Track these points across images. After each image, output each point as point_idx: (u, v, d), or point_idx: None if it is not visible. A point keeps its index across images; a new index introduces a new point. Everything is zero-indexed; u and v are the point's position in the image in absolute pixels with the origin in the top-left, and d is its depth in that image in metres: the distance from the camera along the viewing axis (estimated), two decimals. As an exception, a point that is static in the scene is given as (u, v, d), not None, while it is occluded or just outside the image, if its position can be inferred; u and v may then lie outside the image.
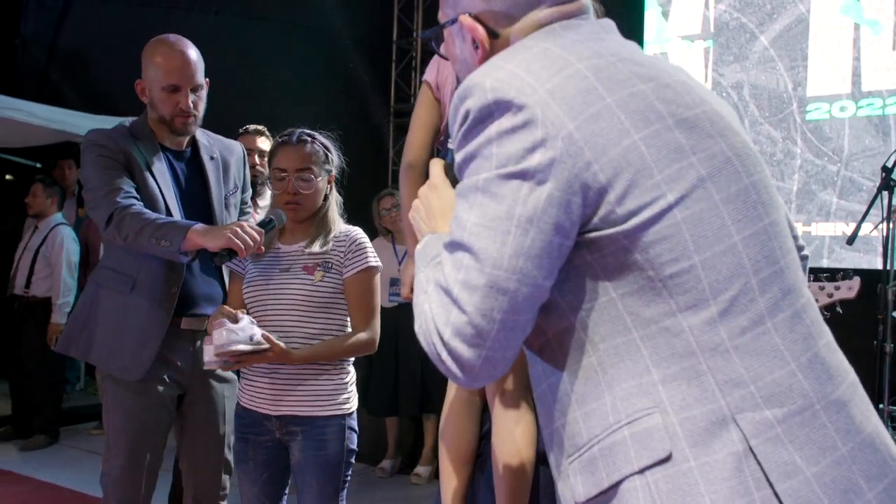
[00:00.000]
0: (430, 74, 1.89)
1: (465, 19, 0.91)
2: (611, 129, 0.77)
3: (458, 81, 1.96)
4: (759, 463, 0.74)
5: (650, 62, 0.86)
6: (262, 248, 1.77)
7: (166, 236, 1.74)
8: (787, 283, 0.82)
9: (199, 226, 1.77)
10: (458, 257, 0.77)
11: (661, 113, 0.80)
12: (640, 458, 0.76)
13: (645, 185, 0.77)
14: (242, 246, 1.69)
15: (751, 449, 0.74)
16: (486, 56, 0.90)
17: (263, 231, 1.76)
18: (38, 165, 5.41)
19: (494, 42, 0.91)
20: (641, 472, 0.75)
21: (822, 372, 0.79)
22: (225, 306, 1.74)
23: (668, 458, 0.75)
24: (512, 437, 1.68)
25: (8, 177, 6.10)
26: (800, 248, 0.95)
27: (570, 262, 0.79)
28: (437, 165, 0.98)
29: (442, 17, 0.96)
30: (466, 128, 0.80)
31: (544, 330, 0.83)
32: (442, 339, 0.76)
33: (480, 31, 0.90)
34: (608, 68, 0.81)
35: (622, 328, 0.78)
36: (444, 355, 0.77)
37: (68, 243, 4.30)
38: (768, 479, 0.73)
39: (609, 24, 0.92)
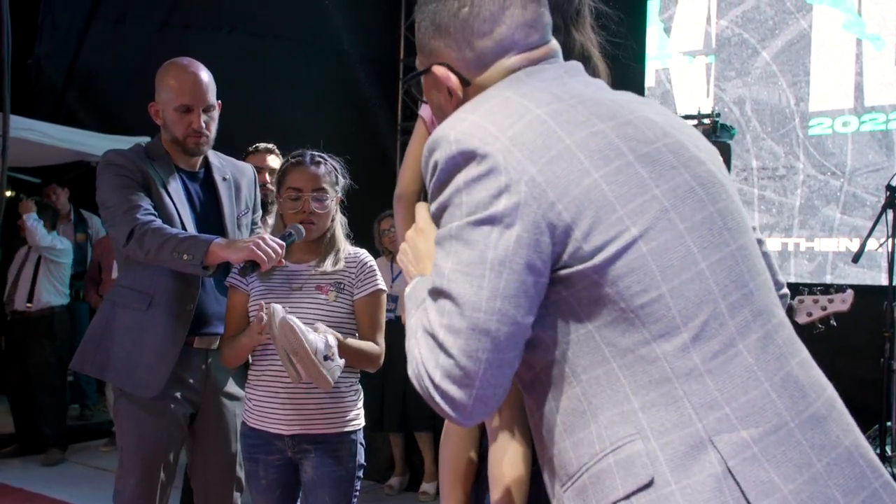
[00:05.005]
0: (425, 111, 1.91)
1: (438, 69, 0.95)
2: (571, 170, 0.81)
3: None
4: (737, 483, 0.76)
5: (612, 101, 0.89)
6: (283, 260, 1.81)
7: (189, 250, 1.77)
8: (758, 305, 0.84)
9: (221, 239, 1.81)
10: (440, 303, 0.81)
11: (621, 149, 0.83)
12: (625, 484, 0.79)
13: (608, 221, 0.80)
14: (265, 258, 1.73)
15: (729, 470, 0.77)
16: (459, 103, 0.94)
17: (284, 244, 1.79)
18: (38, 181, 5.47)
19: (467, 89, 0.94)
20: (627, 497, 0.78)
21: (795, 390, 0.82)
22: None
23: (650, 484, 0.78)
24: (500, 468, 1.71)
25: (9, 193, 6.18)
26: (779, 286, 0.98)
27: (547, 299, 0.83)
28: (422, 208, 1.01)
29: (419, 64, 1.00)
30: (436, 179, 0.85)
31: (532, 364, 0.87)
32: (433, 381, 0.80)
33: (453, 79, 0.94)
34: (567, 111, 0.85)
35: (601, 359, 0.82)
36: (437, 398, 0.81)
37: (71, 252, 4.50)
38: (747, 499, 0.76)
39: (575, 66, 0.96)
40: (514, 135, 0.82)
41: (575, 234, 0.80)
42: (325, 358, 1.66)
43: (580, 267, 0.81)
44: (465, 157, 0.82)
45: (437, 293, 0.82)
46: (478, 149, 0.81)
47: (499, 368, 0.80)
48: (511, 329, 0.80)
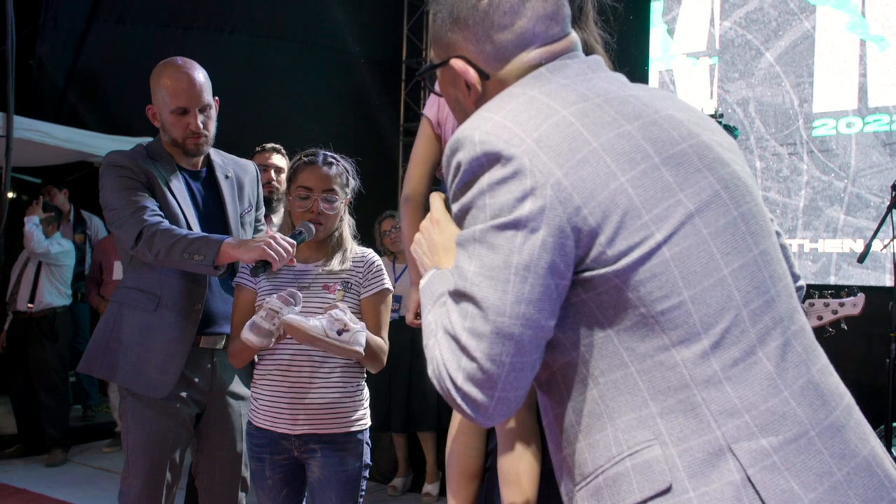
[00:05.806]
0: (430, 111, 1.90)
1: (457, 62, 0.93)
2: (598, 174, 0.80)
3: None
4: (757, 492, 0.75)
5: (637, 98, 0.88)
6: (294, 259, 1.80)
7: (199, 251, 1.77)
8: (779, 311, 0.83)
9: (232, 239, 1.80)
10: (463, 306, 0.81)
11: (648, 152, 0.82)
12: (642, 489, 0.78)
13: (633, 226, 0.80)
14: (276, 257, 1.72)
15: (748, 478, 0.76)
16: (478, 97, 0.93)
17: (295, 243, 1.79)
18: (39, 182, 5.47)
19: (486, 83, 0.93)
20: (644, 502, 0.78)
21: (815, 398, 0.81)
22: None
23: (668, 490, 0.77)
24: (516, 469, 1.70)
25: (11, 194, 6.17)
26: (795, 279, 0.97)
27: (568, 301, 0.82)
28: (437, 199, 1.00)
29: (434, 57, 0.97)
30: (459, 180, 0.83)
31: (549, 364, 0.86)
32: (455, 384, 0.80)
33: (472, 73, 0.92)
34: (593, 112, 0.84)
35: (619, 363, 0.81)
36: (459, 399, 0.80)
37: (73, 254, 4.51)
38: None
39: (597, 61, 0.94)
40: (540, 136, 0.81)
41: (600, 238, 0.79)
42: (339, 332, 1.64)
43: (602, 271, 0.80)
44: (490, 159, 0.81)
45: (459, 295, 0.81)
46: (503, 150, 0.80)
47: (521, 371, 0.80)
48: (534, 333, 0.80)
